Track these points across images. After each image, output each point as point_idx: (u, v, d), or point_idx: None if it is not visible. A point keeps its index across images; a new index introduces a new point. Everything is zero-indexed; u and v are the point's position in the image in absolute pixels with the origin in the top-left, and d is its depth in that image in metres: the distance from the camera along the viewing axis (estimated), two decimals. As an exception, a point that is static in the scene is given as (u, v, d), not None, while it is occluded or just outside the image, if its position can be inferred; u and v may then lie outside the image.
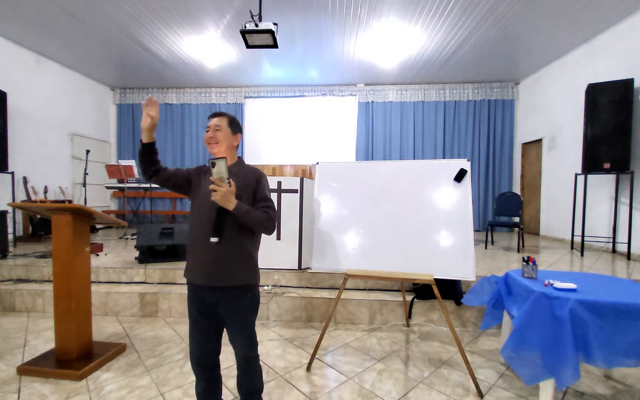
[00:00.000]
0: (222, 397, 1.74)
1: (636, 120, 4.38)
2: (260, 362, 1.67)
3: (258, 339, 1.64)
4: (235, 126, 1.65)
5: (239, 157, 1.69)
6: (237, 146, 1.69)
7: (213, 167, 1.39)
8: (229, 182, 1.41)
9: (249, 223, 1.48)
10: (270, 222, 1.52)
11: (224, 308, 1.52)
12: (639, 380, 2.25)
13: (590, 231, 4.99)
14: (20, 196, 5.51)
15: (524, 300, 1.95)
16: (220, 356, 2.38)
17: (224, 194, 1.38)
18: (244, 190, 1.53)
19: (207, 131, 1.60)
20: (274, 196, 3.47)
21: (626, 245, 4.37)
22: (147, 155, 1.53)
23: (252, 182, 1.57)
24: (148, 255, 3.80)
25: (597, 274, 2.28)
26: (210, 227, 1.47)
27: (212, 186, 1.39)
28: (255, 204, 1.54)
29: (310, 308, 3.21)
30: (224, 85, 7.78)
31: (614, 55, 4.85)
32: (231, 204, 1.41)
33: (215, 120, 1.60)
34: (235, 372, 2.24)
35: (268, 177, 1.86)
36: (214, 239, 1.45)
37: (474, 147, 7.41)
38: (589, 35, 5.15)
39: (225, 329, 1.60)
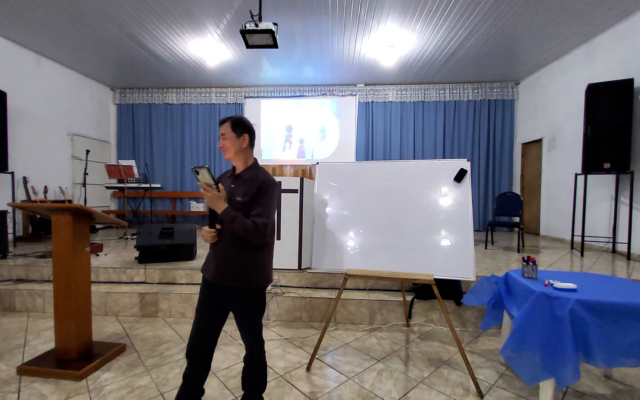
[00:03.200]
0: (221, 396, 1.74)
1: (636, 120, 4.38)
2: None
3: (259, 338, 1.66)
4: (240, 128, 1.60)
5: (255, 160, 1.67)
6: (247, 147, 1.63)
7: (197, 175, 1.48)
8: (217, 188, 1.49)
9: (234, 229, 1.48)
10: (256, 232, 1.48)
11: (230, 304, 1.60)
12: (639, 380, 2.25)
13: (590, 231, 4.99)
14: (20, 196, 5.51)
15: (524, 300, 1.95)
16: (220, 356, 2.38)
17: (211, 199, 1.48)
18: (245, 196, 1.55)
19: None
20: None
21: (626, 245, 4.37)
22: None
23: (254, 190, 1.54)
24: (148, 255, 3.79)
25: (597, 274, 2.28)
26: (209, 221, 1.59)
27: (201, 190, 1.49)
28: (251, 211, 1.53)
29: (310, 308, 3.21)
30: (224, 85, 7.79)
31: (614, 55, 4.85)
32: (219, 208, 1.48)
33: (221, 129, 1.60)
34: (235, 372, 2.25)
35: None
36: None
37: (474, 147, 7.41)
38: (589, 35, 5.15)
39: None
